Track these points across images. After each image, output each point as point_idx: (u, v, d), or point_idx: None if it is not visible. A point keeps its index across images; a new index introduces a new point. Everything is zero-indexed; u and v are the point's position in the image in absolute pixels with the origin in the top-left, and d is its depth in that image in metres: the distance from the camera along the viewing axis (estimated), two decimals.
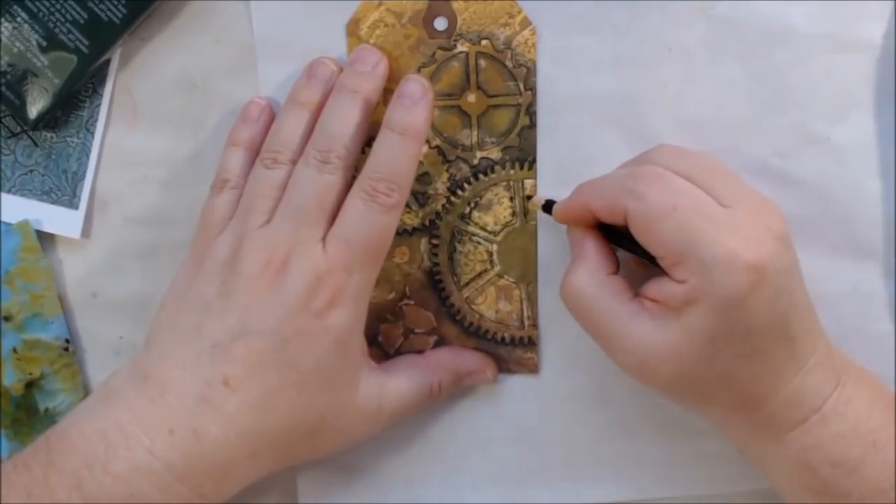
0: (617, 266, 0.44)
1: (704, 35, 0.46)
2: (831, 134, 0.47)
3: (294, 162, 0.44)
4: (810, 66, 0.46)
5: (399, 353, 0.48)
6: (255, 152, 0.45)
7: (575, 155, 0.47)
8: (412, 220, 0.47)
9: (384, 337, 0.48)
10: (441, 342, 0.48)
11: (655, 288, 0.41)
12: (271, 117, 0.46)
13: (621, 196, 0.41)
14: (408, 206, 0.47)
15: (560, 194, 0.47)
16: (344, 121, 0.43)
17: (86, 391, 0.49)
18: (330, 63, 0.45)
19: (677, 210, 0.40)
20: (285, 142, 0.44)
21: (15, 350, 0.48)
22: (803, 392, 0.41)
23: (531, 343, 0.48)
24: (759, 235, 0.40)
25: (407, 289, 0.48)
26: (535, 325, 0.48)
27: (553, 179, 0.47)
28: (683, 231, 0.39)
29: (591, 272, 0.43)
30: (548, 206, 0.46)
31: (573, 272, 0.43)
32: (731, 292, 0.39)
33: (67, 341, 0.48)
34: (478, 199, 0.47)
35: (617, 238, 0.44)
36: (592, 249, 0.43)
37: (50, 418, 0.48)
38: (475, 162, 0.47)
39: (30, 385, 0.48)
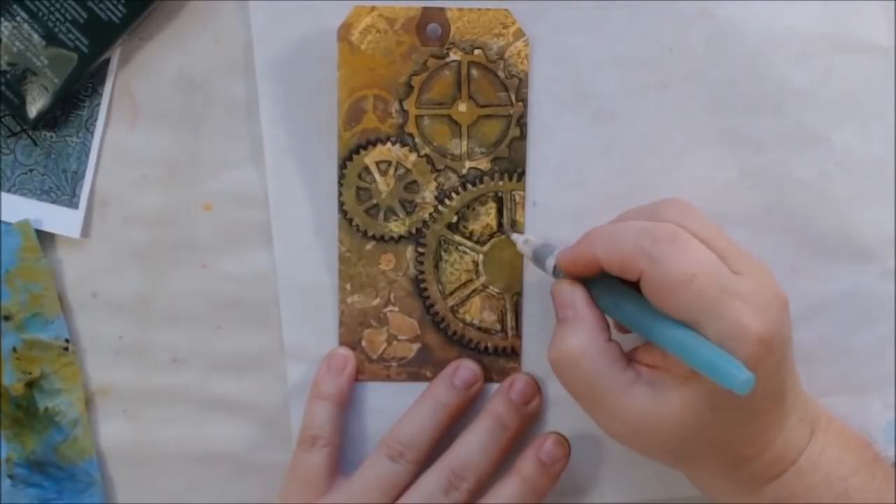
0: (610, 331, 0.42)
1: (705, 35, 0.46)
2: (832, 134, 0.47)
3: (418, 462, 0.45)
4: (810, 66, 0.46)
5: (382, 358, 0.47)
6: (341, 405, 0.46)
7: (574, 156, 0.47)
8: (399, 228, 0.47)
9: (367, 342, 0.47)
10: (425, 350, 0.48)
11: (653, 354, 0.41)
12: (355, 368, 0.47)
13: (637, 255, 0.39)
14: (395, 213, 0.47)
15: (556, 198, 0.47)
16: (481, 447, 0.46)
17: (86, 391, 0.49)
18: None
19: (696, 278, 0.38)
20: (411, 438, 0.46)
21: (15, 350, 0.48)
22: (785, 447, 0.41)
23: (514, 353, 0.48)
24: (768, 305, 0.39)
25: (392, 295, 0.47)
26: (518, 336, 0.47)
27: (549, 182, 0.47)
28: (700, 301, 0.38)
29: (591, 336, 0.41)
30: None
31: (571, 334, 0.41)
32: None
33: (67, 341, 0.48)
34: (465, 208, 0.47)
35: (599, 295, 0.42)
36: (590, 311, 0.42)
37: (49, 418, 0.48)
38: (464, 172, 0.47)
39: (29, 385, 0.48)
